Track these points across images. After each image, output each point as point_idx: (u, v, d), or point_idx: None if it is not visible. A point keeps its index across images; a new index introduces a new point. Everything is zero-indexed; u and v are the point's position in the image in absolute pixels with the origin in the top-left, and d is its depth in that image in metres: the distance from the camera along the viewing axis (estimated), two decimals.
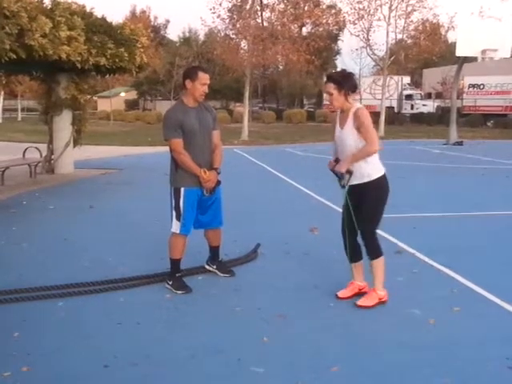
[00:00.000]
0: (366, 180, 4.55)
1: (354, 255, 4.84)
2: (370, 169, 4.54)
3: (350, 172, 4.49)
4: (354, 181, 4.59)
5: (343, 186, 4.59)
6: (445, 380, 3.46)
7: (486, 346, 3.96)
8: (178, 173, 4.94)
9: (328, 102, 4.80)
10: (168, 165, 5.07)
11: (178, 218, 4.98)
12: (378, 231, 6.27)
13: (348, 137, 4.54)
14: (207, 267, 5.56)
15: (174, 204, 4.99)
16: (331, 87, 4.52)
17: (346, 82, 4.53)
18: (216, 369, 3.61)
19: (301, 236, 7.14)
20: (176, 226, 5.01)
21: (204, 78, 4.87)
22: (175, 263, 5.13)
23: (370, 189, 4.57)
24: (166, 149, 5.14)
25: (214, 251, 5.52)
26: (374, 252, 4.66)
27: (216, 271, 5.52)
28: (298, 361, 3.72)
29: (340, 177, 4.58)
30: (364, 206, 4.61)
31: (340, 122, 4.66)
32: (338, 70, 4.99)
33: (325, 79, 4.80)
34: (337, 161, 4.68)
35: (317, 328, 4.28)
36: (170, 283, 5.09)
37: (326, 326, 4.32)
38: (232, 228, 7.48)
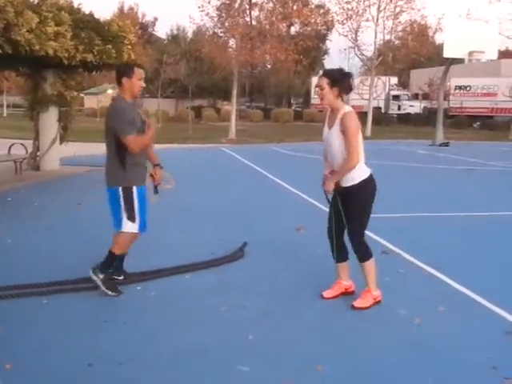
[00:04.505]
0: (350, 184, 4.54)
1: (340, 255, 4.83)
2: (354, 172, 4.51)
3: (337, 189, 4.53)
4: (342, 183, 4.58)
5: (329, 201, 4.66)
6: (429, 379, 3.48)
7: (470, 346, 3.98)
8: (126, 172, 4.75)
9: (317, 98, 4.75)
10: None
11: (131, 219, 4.80)
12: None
13: (335, 138, 4.51)
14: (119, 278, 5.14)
15: (124, 205, 4.78)
16: (324, 81, 4.47)
17: (341, 81, 4.49)
18: (201, 368, 3.60)
19: (287, 235, 7.15)
20: (131, 227, 4.82)
21: (140, 73, 4.85)
22: (116, 259, 4.97)
23: (355, 192, 4.55)
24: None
25: (123, 259, 5.16)
26: (363, 255, 4.67)
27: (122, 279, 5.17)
28: (284, 360, 3.72)
29: (326, 195, 4.69)
30: (350, 209, 4.61)
31: (328, 123, 4.62)
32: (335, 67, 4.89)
33: (320, 74, 4.76)
34: (332, 173, 4.66)
35: (302, 327, 4.29)
36: (101, 277, 4.82)
37: (311, 326, 4.32)
38: (218, 227, 7.49)
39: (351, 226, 4.65)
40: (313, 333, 4.19)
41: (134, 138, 4.66)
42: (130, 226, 4.83)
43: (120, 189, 4.78)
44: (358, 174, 4.53)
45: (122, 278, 5.17)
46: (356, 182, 4.52)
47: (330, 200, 4.75)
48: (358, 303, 4.67)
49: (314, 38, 40.15)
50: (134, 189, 4.80)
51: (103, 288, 4.81)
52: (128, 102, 4.83)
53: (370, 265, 4.68)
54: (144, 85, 4.91)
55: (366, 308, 4.63)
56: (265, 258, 6.13)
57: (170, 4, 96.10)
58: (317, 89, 4.61)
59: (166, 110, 45.33)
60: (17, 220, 7.90)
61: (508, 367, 3.61)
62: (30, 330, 4.13)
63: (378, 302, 4.72)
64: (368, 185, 4.58)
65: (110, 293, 4.82)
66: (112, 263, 4.97)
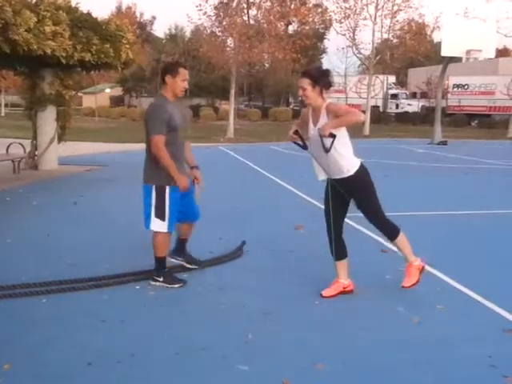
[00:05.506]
0: (345, 175, 4.58)
1: (338, 252, 4.84)
2: (348, 164, 4.57)
3: (332, 135, 4.37)
4: (335, 175, 4.62)
5: (327, 151, 4.47)
6: (427, 378, 3.48)
7: (469, 344, 3.98)
8: (161, 170, 4.83)
9: (300, 97, 4.74)
10: None
11: (161, 217, 4.88)
12: (363, 229, 6.31)
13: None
14: (174, 260, 5.46)
15: (155, 202, 4.87)
16: (305, 82, 4.49)
17: (322, 79, 4.51)
18: (200, 366, 3.60)
19: (286, 233, 7.15)
20: (160, 225, 4.92)
21: (185, 73, 4.90)
22: (162, 261, 5.11)
23: (354, 184, 4.61)
24: None
25: (184, 243, 5.49)
26: (392, 233, 4.75)
27: (184, 263, 5.50)
28: (283, 358, 3.72)
29: (323, 141, 4.45)
30: (358, 201, 4.69)
31: (313, 120, 4.65)
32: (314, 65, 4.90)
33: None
34: (296, 133, 4.65)
35: (301, 326, 4.29)
36: (162, 279, 5.06)
37: (310, 324, 4.32)
38: (217, 226, 7.48)
39: (369, 215, 4.73)
40: (312, 331, 4.19)
41: (160, 138, 4.72)
42: (159, 225, 4.92)
43: (153, 187, 4.86)
44: (351, 164, 4.59)
45: (181, 259, 5.48)
46: (351, 172, 4.58)
47: (325, 194, 4.76)
48: (406, 282, 4.72)
49: (312, 37, 40.12)
50: (167, 188, 4.86)
51: (169, 286, 5.02)
52: (168, 101, 4.88)
53: (401, 239, 4.75)
54: (187, 86, 4.96)
55: (416, 283, 4.70)
56: (264, 256, 6.13)
57: (168, 3, 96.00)
58: (299, 90, 4.61)
59: None
60: (15, 219, 7.89)
61: (507, 365, 3.61)
62: (28, 330, 4.12)
63: (423, 270, 4.78)
64: (362, 173, 4.64)
65: (176, 286, 5.04)
66: (161, 266, 5.11)
